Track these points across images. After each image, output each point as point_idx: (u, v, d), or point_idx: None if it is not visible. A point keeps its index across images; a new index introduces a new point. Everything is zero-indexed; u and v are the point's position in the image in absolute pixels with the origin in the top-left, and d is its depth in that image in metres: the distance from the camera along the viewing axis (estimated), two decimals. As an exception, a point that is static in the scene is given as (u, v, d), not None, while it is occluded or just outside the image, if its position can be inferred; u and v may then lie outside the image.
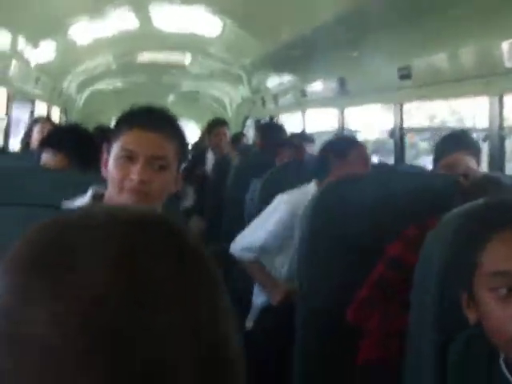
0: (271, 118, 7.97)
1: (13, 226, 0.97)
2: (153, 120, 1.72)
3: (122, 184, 1.67)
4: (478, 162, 2.78)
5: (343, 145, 2.87)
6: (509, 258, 1.13)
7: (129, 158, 1.68)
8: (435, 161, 2.87)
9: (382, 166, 4.12)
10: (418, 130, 5.70)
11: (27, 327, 0.46)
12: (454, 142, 2.85)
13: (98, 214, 0.54)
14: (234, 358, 0.52)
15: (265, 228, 2.84)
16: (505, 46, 2.84)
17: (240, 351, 0.53)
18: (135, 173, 1.65)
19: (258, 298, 2.96)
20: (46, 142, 2.55)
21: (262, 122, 8.00)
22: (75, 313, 0.46)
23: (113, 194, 1.70)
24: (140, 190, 1.65)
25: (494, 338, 1.16)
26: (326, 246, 2.29)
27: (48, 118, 4.91)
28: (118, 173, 1.68)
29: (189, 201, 5.41)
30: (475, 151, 2.79)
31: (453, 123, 6.16)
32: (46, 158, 2.46)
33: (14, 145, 5.27)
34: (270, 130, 5.24)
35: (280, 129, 5.26)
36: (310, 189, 2.79)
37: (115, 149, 1.71)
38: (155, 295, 0.48)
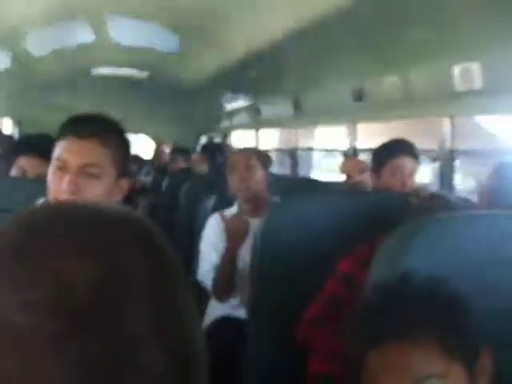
0: (224, 136, 8.07)
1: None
2: (87, 127, 1.63)
3: (56, 197, 1.60)
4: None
5: None
6: None
7: (61, 168, 1.61)
8: (376, 169, 2.93)
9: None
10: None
11: (1, 315, 0.46)
12: (398, 146, 2.92)
13: (74, 207, 0.55)
14: (199, 353, 0.53)
15: (209, 250, 2.93)
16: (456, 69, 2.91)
17: (204, 347, 0.54)
18: (65, 183, 1.58)
19: (214, 312, 2.95)
20: (21, 148, 2.53)
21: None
22: (47, 299, 0.46)
23: None
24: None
25: None
26: (275, 264, 2.28)
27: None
28: (52, 185, 1.62)
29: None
30: (416, 156, 2.90)
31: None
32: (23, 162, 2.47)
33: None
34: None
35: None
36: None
37: (52, 160, 1.65)
38: (127, 289, 0.49)
